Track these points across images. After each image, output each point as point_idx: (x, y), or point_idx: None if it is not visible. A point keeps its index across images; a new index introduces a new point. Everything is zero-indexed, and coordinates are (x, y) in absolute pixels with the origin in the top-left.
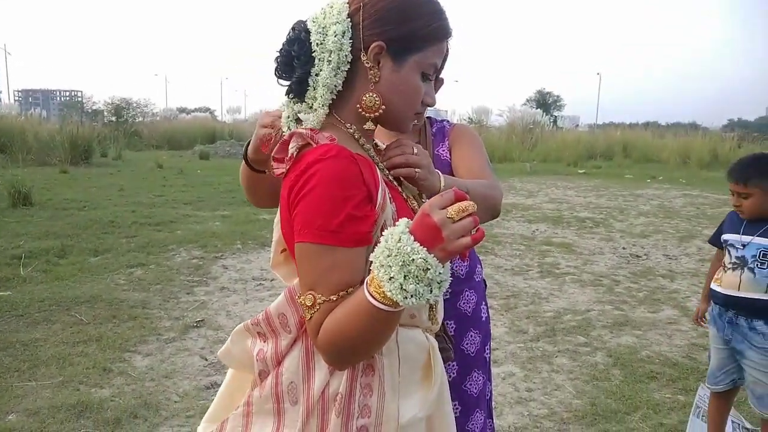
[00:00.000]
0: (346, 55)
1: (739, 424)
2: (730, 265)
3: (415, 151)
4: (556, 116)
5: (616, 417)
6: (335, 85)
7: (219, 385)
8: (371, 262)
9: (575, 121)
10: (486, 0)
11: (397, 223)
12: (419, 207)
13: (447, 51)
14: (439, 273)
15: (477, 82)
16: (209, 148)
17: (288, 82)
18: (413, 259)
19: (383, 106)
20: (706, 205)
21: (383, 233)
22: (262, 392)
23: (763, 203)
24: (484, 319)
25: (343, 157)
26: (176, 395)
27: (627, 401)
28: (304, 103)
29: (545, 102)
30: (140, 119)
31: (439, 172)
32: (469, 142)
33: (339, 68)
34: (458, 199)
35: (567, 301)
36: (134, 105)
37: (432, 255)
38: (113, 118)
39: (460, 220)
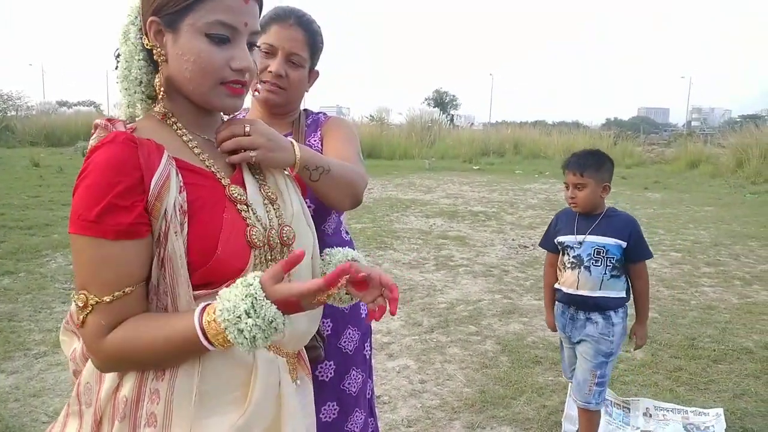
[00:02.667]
0: (134, 45)
1: (611, 401)
2: (569, 265)
3: (248, 129)
4: (452, 115)
5: (503, 402)
6: (134, 78)
7: None
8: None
9: (470, 119)
10: (385, 3)
11: (252, 284)
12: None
13: (314, 39)
14: (282, 323)
15: (378, 82)
16: None
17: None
18: (272, 323)
19: (162, 88)
20: None
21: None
22: (73, 393)
23: (594, 195)
24: (363, 316)
25: (118, 142)
26: (45, 415)
27: (513, 386)
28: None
29: (442, 101)
30: (13, 113)
31: (294, 142)
32: (342, 133)
33: (132, 59)
34: (329, 286)
35: (460, 292)
36: (5, 97)
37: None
38: None
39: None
